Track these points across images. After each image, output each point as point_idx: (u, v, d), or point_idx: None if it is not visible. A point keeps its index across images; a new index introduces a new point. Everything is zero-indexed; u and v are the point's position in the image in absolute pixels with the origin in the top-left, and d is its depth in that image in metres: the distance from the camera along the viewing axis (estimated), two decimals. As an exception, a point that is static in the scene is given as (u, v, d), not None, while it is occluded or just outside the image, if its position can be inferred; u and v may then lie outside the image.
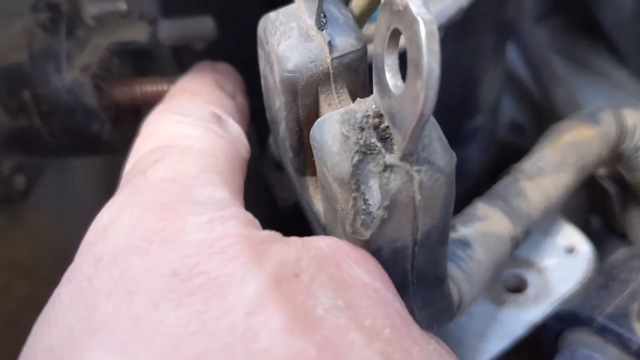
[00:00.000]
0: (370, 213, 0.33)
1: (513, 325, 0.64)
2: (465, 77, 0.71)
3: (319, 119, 0.34)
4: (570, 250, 0.69)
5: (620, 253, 0.67)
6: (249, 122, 0.51)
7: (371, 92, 0.34)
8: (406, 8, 0.27)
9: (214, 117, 0.43)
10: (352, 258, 0.34)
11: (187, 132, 0.41)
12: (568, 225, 0.71)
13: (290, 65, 0.36)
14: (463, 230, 0.60)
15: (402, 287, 0.38)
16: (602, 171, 0.79)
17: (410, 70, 0.28)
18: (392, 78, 0.31)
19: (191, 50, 0.71)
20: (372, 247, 0.34)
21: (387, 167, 0.32)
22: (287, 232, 0.96)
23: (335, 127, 0.33)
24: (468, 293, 0.55)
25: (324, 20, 0.36)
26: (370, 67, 0.34)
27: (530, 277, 0.67)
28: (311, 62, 0.36)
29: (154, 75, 0.55)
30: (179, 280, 0.31)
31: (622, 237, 0.85)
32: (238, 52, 0.77)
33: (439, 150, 0.32)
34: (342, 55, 0.36)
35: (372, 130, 0.32)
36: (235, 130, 0.44)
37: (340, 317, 0.30)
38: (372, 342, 0.30)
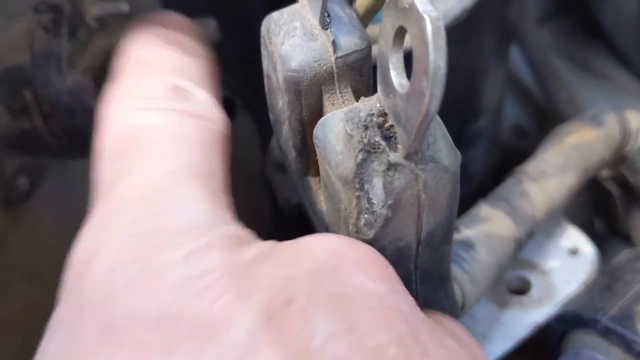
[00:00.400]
0: (374, 212, 0.32)
1: (516, 327, 0.64)
2: (468, 80, 0.71)
3: (322, 118, 0.34)
4: (573, 252, 0.69)
5: (624, 255, 0.66)
6: (220, 80, 0.45)
7: (375, 92, 0.33)
8: (412, 6, 0.27)
9: (176, 92, 0.38)
10: (352, 261, 0.32)
11: (150, 123, 0.37)
12: (571, 227, 0.71)
13: (293, 65, 0.36)
14: (466, 231, 0.60)
15: (406, 286, 0.38)
16: (605, 173, 0.79)
17: (416, 68, 0.27)
18: (397, 76, 0.31)
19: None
20: (376, 247, 0.34)
21: (391, 166, 0.31)
22: (289, 232, 0.96)
23: (338, 125, 0.33)
24: (471, 294, 0.55)
25: (328, 19, 0.36)
26: (374, 66, 0.34)
27: (534, 278, 0.67)
28: (315, 62, 0.36)
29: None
30: (166, 327, 0.29)
31: (626, 239, 0.85)
32: (241, 53, 0.77)
33: (443, 149, 0.32)
34: (346, 55, 0.36)
35: (376, 129, 0.32)
36: (204, 102, 0.40)
37: (342, 344, 0.28)
38: None
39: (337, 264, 0.31)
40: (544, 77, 0.96)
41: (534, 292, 0.66)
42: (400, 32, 0.29)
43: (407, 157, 0.31)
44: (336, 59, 0.36)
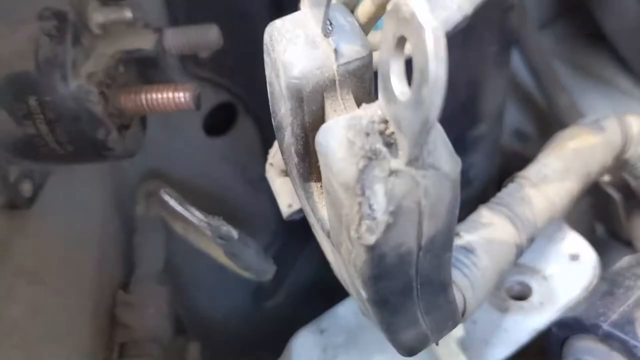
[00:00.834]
0: (375, 218, 0.33)
1: (518, 333, 0.64)
2: (469, 85, 0.72)
3: (324, 125, 0.34)
4: (574, 258, 0.69)
5: (625, 260, 0.67)
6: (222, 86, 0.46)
7: (377, 98, 0.34)
8: (413, 16, 0.27)
9: None
10: None
11: None
12: (572, 233, 0.71)
13: (296, 72, 0.36)
14: (467, 237, 0.60)
15: (407, 292, 0.38)
16: (606, 178, 0.80)
17: (416, 76, 0.28)
18: (398, 84, 0.31)
19: (197, 58, 0.71)
20: (377, 253, 0.34)
21: (392, 173, 0.32)
22: (293, 236, 0.96)
23: (340, 132, 0.33)
24: (472, 300, 0.55)
25: (330, 27, 0.37)
26: (375, 74, 0.34)
27: (535, 284, 0.67)
28: (317, 69, 0.36)
29: (160, 83, 0.55)
30: None
31: (627, 244, 0.85)
32: (243, 59, 0.77)
33: (444, 155, 0.33)
34: (348, 62, 0.36)
35: (377, 136, 0.32)
36: None
37: None
38: None
39: None
40: (544, 81, 0.96)
41: (535, 298, 0.66)
42: (401, 41, 0.30)
43: (408, 163, 0.32)
44: (338, 66, 0.36)
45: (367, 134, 0.32)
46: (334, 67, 0.36)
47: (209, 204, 0.77)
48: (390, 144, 0.33)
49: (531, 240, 0.63)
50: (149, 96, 0.53)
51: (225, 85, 0.81)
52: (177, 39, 0.56)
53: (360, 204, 0.33)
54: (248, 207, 0.92)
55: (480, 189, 0.80)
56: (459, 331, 0.65)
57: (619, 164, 0.73)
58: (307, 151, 0.40)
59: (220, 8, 0.70)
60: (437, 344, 0.49)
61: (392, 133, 0.33)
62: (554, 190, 0.65)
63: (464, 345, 0.64)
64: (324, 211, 0.42)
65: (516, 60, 0.98)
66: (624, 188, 0.80)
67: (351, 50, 0.36)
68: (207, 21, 0.58)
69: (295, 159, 0.41)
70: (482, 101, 0.74)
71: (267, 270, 0.63)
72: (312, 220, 0.47)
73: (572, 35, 1.07)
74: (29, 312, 0.57)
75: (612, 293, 0.62)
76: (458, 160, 0.33)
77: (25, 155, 0.54)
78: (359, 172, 0.32)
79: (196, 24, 0.58)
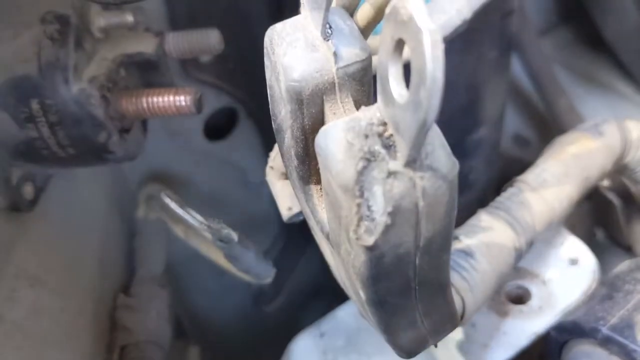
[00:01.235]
0: (373, 219, 0.33)
1: (517, 336, 0.64)
2: (469, 90, 0.72)
3: (323, 127, 0.35)
4: (574, 262, 0.69)
5: (624, 265, 0.67)
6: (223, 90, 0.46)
7: (376, 101, 0.34)
8: (411, 18, 0.28)
9: None
10: None
11: None
12: (572, 237, 0.71)
13: (296, 75, 0.36)
14: (466, 240, 0.60)
15: (405, 293, 0.38)
16: (606, 183, 0.80)
17: (414, 78, 0.28)
18: (396, 87, 0.31)
19: (198, 62, 0.71)
20: (376, 254, 0.34)
21: (390, 174, 0.32)
22: (294, 239, 0.96)
23: (339, 134, 0.33)
24: (471, 303, 0.56)
25: (329, 31, 0.37)
26: (374, 77, 0.34)
27: (534, 288, 0.67)
28: (317, 72, 0.36)
29: (161, 86, 0.55)
30: None
31: (627, 249, 0.85)
32: (244, 63, 0.77)
33: (442, 157, 0.33)
34: (347, 65, 0.37)
35: (376, 138, 0.33)
36: None
37: None
38: None
39: None
40: (544, 87, 0.96)
41: (535, 302, 0.66)
42: (400, 44, 0.30)
43: (406, 165, 0.32)
44: (337, 69, 0.36)
45: (366, 136, 0.33)
46: (334, 70, 0.36)
47: (210, 208, 0.78)
48: (389, 146, 0.33)
49: (530, 244, 0.64)
50: (150, 99, 0.54)
51: (227, 89, 0.81)
52: (178, 42, 0.57)
53: (359, 205, 0.33)
54: (248, 212, 0.92)
55: (480, 193, 0.80)
56: (458, 334, 0.65)
57: (619, 169, 0.73)
58: (306, 154, 0.41)
59: (221, 13, 0.70)
60: (435, 346, 0.49)
61: (391, 135, 0.33)
62: (553, 195, 0.66)
63: (463, 348, 0.64)
64: (323, 213, 0.43)
65: (516, 65, 0.98)
66: (624, 193, 0.80)
67: (350, 53, 0.36)
68: (208, 26, 0.58)
69: (295, 162, 0.41)
70: (482, 105, 0.74)
71: (266, 273, 0.63)
72: (311, 222, 0.47)
73: (572, 42, 1.07)
74: (30, 314, 0.57)
75: (612, 297, 0.62)
76: (455, 161, 0.33)
77: (27, 158, 0.55)
78: (358, 174, 0.32)
79: (197, 28, 0.58)
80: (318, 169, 0.38)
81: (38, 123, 0.52)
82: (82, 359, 0.61)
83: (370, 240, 0.34)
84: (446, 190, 0.33)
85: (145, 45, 0.55)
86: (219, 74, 0.78)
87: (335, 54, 0.36)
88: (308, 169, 0.42)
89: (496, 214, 0.63)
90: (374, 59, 0.37)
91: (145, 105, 0.54)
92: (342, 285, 0.50)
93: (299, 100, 0.37)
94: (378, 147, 0.33)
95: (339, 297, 0.66)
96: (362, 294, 0.39)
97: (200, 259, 0.87)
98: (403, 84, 0.31)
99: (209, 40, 0.57)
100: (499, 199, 0.66)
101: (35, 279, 0.59)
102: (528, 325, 0.65)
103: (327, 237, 0.43)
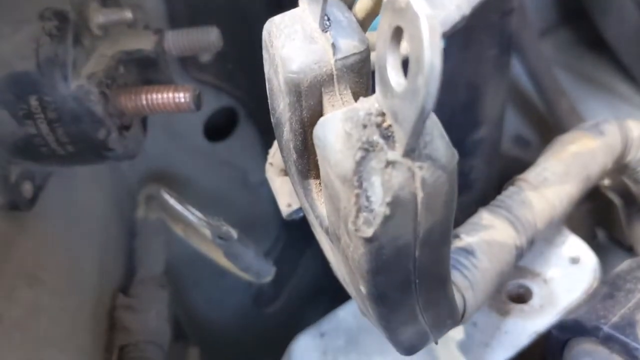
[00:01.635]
0: (372, 210, 0.33)
1: (518, 335, 0.64)
2: (469, 88, 0.72)
3: (321, 118, 0.34)
4: (575, 261, 0.69)
5: (626, 264, 0.66)
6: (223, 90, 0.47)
7: (374, 94, 0.34)
8: (408, 5, 0.27)
9: None
10: None
11: None
12: (573, 236, 0.71)
13: (294, 67, 0.36)
14: (467, 239, 0.60)
15: (405, 287, 0.38)
16: (607, 183, 0.80)
17: (411, 66, 0.28)
18: (394, 76, 0.31)
19: (197, 62, 0.71)
20: (375, 245, 0.34)
21: (389, 164, 0.32)
22: (295, 238, 0.95)
23: (338, 125, 0.33)
24: (472, 301, 0.55)
25: (327, 23, 0.37)
26: (374, 71, 0.34)
27: (536, 287, 0.67)
28: (315, 64, 0.36)
29: (160, 84, 0.55)
30: None
31: (629, 250, 0.85)
32: (244, 63, 0.77)
33: (441, 147, 0.33)
34: (345, 57, 0.36)
35: (374, 128, 0.32)
36: None
37: None
38: None
39: None
40: (545, 87, 0.96)
41: (536, 301, 0.66)
42: (398, 32, 0.30)
43: (405, 154, 0.32)
44: (335, 61, 0.36)
45: (364, 126, 0.32)
46: (332, 61, 0.36)
47: (210, 208, 0.77)
48: (387, 137, 0.33)
49: (531, 242, 0.63)
50: (149, 96, 0.53)
51: (227, 89, 0.81)
52: (178, 40, 0.57)
53: (357, 195, 0.33)
54: (249, 212, 0.92)
55: (480, 192, 0.80)
56: (459, 334, 0.64)
57: (619, 168, 0.73)
58: (305, 147, 0.40)
59: (221, 12, 0.70)
60: (436, 343, 0.49)
61: (390, 126, 0.33)
62: (554, 193, 0.65)
63: (464, 347, 0.64)
64: (322, 208, 0.42)
65: (517, 66, 0.98)
66: (625, 193, 0.80)
67: (349, 45, 0.36)
68: (208, 24, 0.58)
69: (294, 156, 0.41)
70: (482, 105, 0.74)
71: (266, 271, 0.63)
72: (311, 218, 0.47)
73: (573, 43, 1.07)
74: (29, 313, 0.57)
75: (613, 296, 0.62)
76: (455, 152, 0.33)
77: (26, 155, 0.54)
78: (356, 164, 0.32)
79: (197, 26, 0.58)
80: (317, 163, 0.38)
81: (37, 120, 0.51)
82: (81, 359, 0.61)
83: (369, 232, 0.33)
84: (445, 180, 0.33)
85: (144, 43, 0.55)
86: (219, 74, 0.78)
87: (333, 46, 0.36)
88: (307, 162, 0.42)
89: (497, 212, 0.63)
90: (373, 55, 0.37)
91: (144, 102, 0.53)
92: (342, 282, 0.49)
93: (297, 92, 0.37)
94: (376, 137, 0.32)
95: (339, 297, 0.66)
96: (362, 288, 0.39)
97: (200, 260, 0.87)
98: (401, 73, 0.31)
99: (208, 37, 0.57)
100: (500, 197, 0.66)
101: (34, 278, 0.59)
102: (529, 324, 0.64)
103: (327, 231, 0.43)
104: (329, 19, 0.37)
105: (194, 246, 0.68)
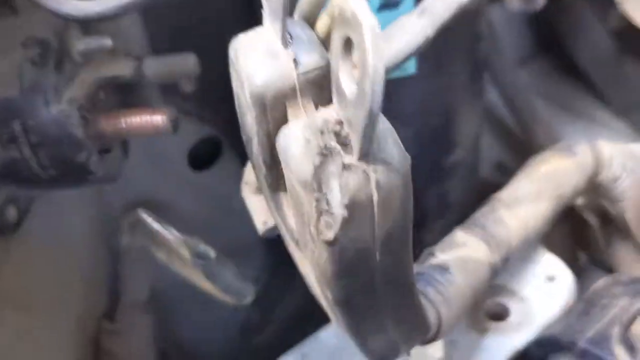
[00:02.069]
0: (332, 213, 0.34)
1: (497, 352, 0.65)
2: (442, 112, 0.74)
3: (283, 127, 0.36)
4: (551, 279, 0.70)
5: (602, 281, 0.68)
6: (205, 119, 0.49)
7: None
8: (353, 14, 0.30)
9: None
10: None
11: None
12: (549, 255, 0.73)
13: (258, 81, 0.38)
14: (442, 256, 0.61)
15: (370, 292, 0.39)
16: (582, 202, 0.81)
17: (360, 73, 0.30)
18: (347, 83, 0.33)
19: (179, 92, 0.73)
20: (337, 249, 0.35)
21: (345, 167, 0.33)
22: (277, 273, 0.95)
23: (298, 133, 0.35)
24: (447, 316, 0.56)
25: (290, 40, 0.39)
26: None
27: (513, 304, 0.68)
28: (278, 78, 0.38)
29: (139, 107, 0.57)
30: None
31: (609, 271, 0.86)
32: (225, 91, 0.79)
33: (394, 152, 0.34)
34: (307, 72, 0.38)
35: (332, 135, 0.34)
36: None
37: None
38: None
39: None
40: (522, 115, 0.99)
41: (513, 318, 0.67)
42: (348, 43, 0.32)
43: (360, 158, 0.33)
44: (298, 75, 0.38)
45: (322, 132, 0.34)
46: (294, 75, 0.38)
47: (195, 235, 0.78)
48: (345, 145, 0.35)
49: (506, 259, 0.65)
50: (127, 119, 0.55)
51: (209, 119, 0.83)
52: (157, 66, 0.59)
53: (318, 200, 0.34)
54: (234, 239, 0.93)
55: (459, 216, 0.81)
56: (438, 351, 0.65)
57: (593, 187, 0.74)
58: (273, 160, 0.42)
59: (203, 41, 0.72)
60: (408, 354, 0.50)
61: (347, 135, 0.35)
62: (527, 212, 0.67)
63: (444, 365, 0.64)
64: (292, 221, 0.44)
65: (495, 96, 1.00)
66: (601, 213, 0.82)
67: (310, 60, 0.38)
68: (187, 49, 0.61)
69: (264, 169, 0.43)
70: (456, 128, 0.76)
71: (246, 291, 0.64)
72: (283, 232, 0.48)
73: (549, 72, 1.10)
74: (14, 337, 0.58)
75: (589, 312, 0.63)
76: (407, 156, 0.35)
77: (10, 179, 0.56)
78: (315, 169, 0.34)
79: (175, 53, 0.60)
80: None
81: (20, 144, 0.53)
82: (65, 382, 0.62)
83: (330, 235, 0.35)
84: (400, 183, 0.35)
85: (123, 69, 0.57)
86: (202, 104, 0.80)
87: (295, 61, 0.38)
88: (276, 176, 0.43)
89: (471, 230, 0.65)
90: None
91: (123, 124, 0.55)
92: (315, 294, 0.51)
93: (262, 104, 0.39)
94: (333, 144, 0.34)
95: (328, 323, 0.66)
96: (328, 294, 0.40)
97: (185, 290, 0.88)
98: (354, 81, 0.33)
99: (186, 64, 0.59)
100: (474, 216, 0.67)
101: (19, 302, 0.60)
102: (507, 341, 0.65)
103: (297, 243, 0.44)
104: (291, 36, 0.39)
105: (177, 271, 0.69)
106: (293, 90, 0.39)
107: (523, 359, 0.64)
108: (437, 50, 0.68)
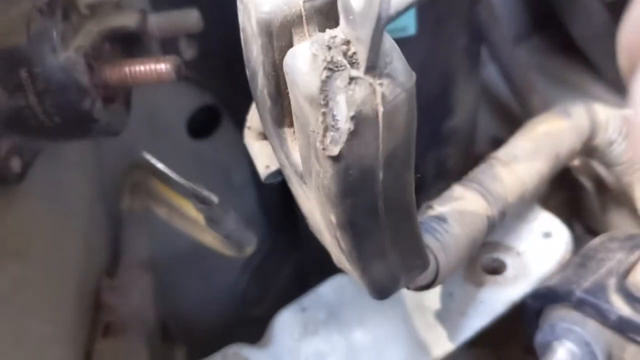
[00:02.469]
0: (338, 129, 0.35)
1: (493, 304, 0.66)
2: (441, 77, 0.75)
3: (291, 49, 0.37)
4: (548, 235, 0.71)
5: (598, 238, 0.69)
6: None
7: None
8: None
9: None
10: None
11: None
12: (545, 212, 0.74)
13: (265, 7, 0.39)
14: (440, 208, 0.63)
15: (372, 213, 0.40)
16: (580, 168, 0.82)
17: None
18: None
19: (180, 57, 0.74)
20: (342, 165, 0.36)
21: (352, 80, 0.34)
22: (276, 247, 0.96)
23: (305, 50, 0.36)
24: (445, 262, 0.57)
25: (296, -33, 0.40)
26: None
27: (509, 260, 0.69)
28: (285, 4, 0.39)
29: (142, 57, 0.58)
30: None
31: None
32: (227, 61, 0.80)
33: (399, 67, 0.35)
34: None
35: (339, 49, 0.35)
36: None
37: None
38: None
39: None
40: (520, 90, 1.00)
41: (509, 272, 0.68)
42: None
43: (366, 71, 0.34)
44: (304, 2, 0.39)
45: (329, 48, 0.35)
46: (301, 2, 0.39)
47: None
48: (352, 63, 0.36)
49: (503, 215, 0.66)
50: (132, 68, 0.56)
51: (209, 87, 0.84)
52: (160, 21, 0.60)
53: (324, 114, 0.35)
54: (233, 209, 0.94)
55: (455, 180, 0.82)
56: (436, 303, 0.66)
57: (589, 151, 0.76)
58: (279, 92, 0.43)
59: (205, 7, 0.73)
60: (408, 288, 0.51)
61: (354, 53, 0.36)
62: (524, 169, 0.68)
63: (442, 316, 0.65)
64: (297, 155, 0.45)
65: (493, 73, 1.02)
66: (597, 178, 0.83)
67: (316, -13, 0.39)
68: (190, 6, 0.62)
69: (269, 103, 0.44)
70: (455, 93, 0.77)
71: (248, 240, 0.64)
72: (287, 171, 0.49)
73: (547, 48, 1.11)
74: (15, 285, 0.58)
75: (585, 265, 0.64)
76: (412, 73, 0.36)
77: (15, 128, 0.57)
78: (322, 83, 0.35)
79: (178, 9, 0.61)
80: (290, 110, 0.41)
81: (26, 91, 0.54)
82: (66, 332, 0.62)
83: (335, 150, 0.36)
84: (405, 99, 0.36)
85: (128, 20, 0.58)
86: (202, 71, 0.81)
87: (301, -12, 0.39)
88: (281, 109, 0.44)
89: (469, 185, 0.66)
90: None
91: (127, 72, 0.56)
92: (315, 232, 0.51)
93: (269, 32, 0.40)
94: (340, 58, 0.35)
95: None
96: (332, 218, 0.41)
97: (186, 260, 0.88)
98: None
99: (188, 19, 0.60)
100: (471, 173, 0.68)
101: (20, 251, 0.60)
102: (504, 294, 0.66)
103: (301, 177, 0.45)
104: (297, -34, 0.40)
105: (177, 228, 0.70)
106: (299, 17, 0.40)
107: (520, 311, 0.65)
108: (436, 13, 0.70)
